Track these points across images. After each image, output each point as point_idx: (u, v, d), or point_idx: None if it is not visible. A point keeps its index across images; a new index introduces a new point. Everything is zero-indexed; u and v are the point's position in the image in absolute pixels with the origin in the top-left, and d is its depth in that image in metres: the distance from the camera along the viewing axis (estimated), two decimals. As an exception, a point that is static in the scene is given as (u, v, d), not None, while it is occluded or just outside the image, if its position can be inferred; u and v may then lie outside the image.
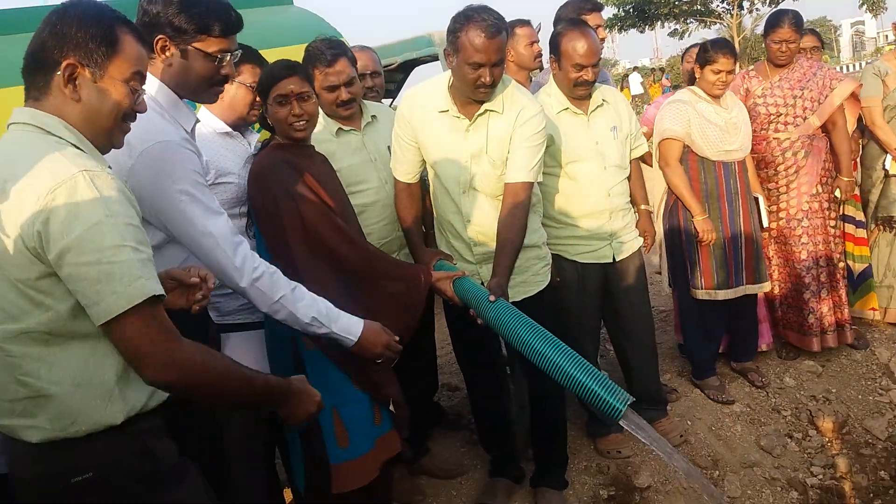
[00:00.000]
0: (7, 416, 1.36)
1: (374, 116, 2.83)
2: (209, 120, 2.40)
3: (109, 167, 1.40)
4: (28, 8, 3.58)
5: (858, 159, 4.31)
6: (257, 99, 2.35)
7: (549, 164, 2.89)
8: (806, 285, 3.78)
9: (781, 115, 3.75)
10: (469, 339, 2.77)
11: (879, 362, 3.90)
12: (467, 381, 3.04)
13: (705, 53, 3.48)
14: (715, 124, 3.48)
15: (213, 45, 1.80)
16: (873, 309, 4.21)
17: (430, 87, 2.58)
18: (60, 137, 1.36)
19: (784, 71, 3.78)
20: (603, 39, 3.33)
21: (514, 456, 3.01)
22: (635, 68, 26.56)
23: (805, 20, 3.85)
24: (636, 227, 3.22)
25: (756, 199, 3.65)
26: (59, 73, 1.37)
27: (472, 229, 2.58)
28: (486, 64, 2.32)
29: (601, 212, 3.00)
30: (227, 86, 1.98)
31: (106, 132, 1.43)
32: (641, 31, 27.61)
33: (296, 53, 2.60)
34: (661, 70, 23.11)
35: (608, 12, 25.69)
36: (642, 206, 3.34)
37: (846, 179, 3.84)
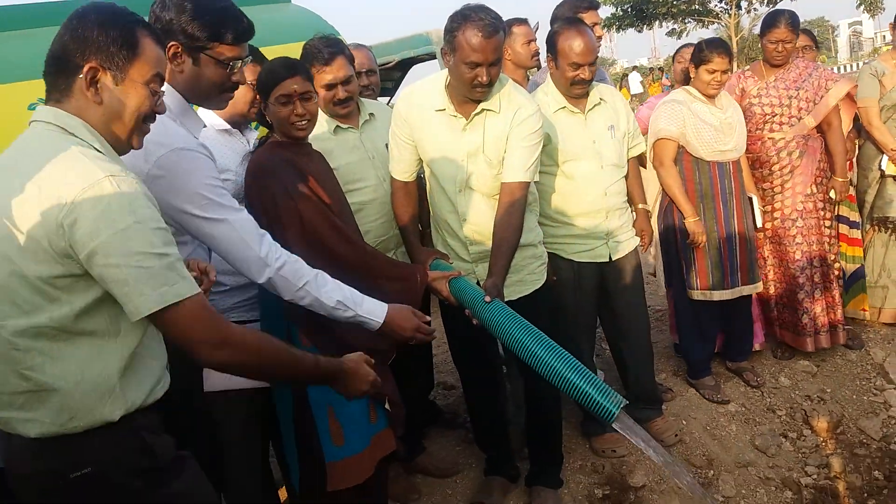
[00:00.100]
0: (5, 409, 1.37)
1: (371, 114, 2.83)
2: (208, 117, 2.39)
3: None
4: (28, 5, 3.57)
5: (855, 160, 4.33)
6: (257, 96, 2.35)
7: (545, 163, 2.89)
8: (800, 285, 3.79)
9: (777, 115, 3.76)
10: (465, 339, 2.77)
11: (874, 362, 3.91)
12: (463, 380, 3.04)
13: (700, 53, 3.48)
14: (710, 124, 3.48)
15: (225, 53, 1.82)
16: (864, 309, 4.23)
17: (427, 85, 2.58)
18: (82, 139, 1.38)
19: (780, 71, 3.79)
20: (599, 37, 3.33)
21: (510, 455, 3.02)
22: (635, 67, 26.56)
23: (803, 20, 3.86)
24: (633, 226, 3.23)
25: (750, 199, 3.66)
26: (80, 76, 1.39)
27: (469, 228, 2.59)
28: (482, 63, 2.32)
29: (598, 211, 3.01)
30: None
31: (126, 134, 1.45)
32: (639, 31, 27.66)
33: (294, 51, 2.60)
34: (661, 70, 23.11)
35: (606, 11, 25.74)
36: (640, 206, 3.34)
37: (841, 180, 3.85)
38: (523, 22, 3.56)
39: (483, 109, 2.48)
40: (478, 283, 2.53)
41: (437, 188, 2.62)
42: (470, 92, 2.41)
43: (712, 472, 3.14)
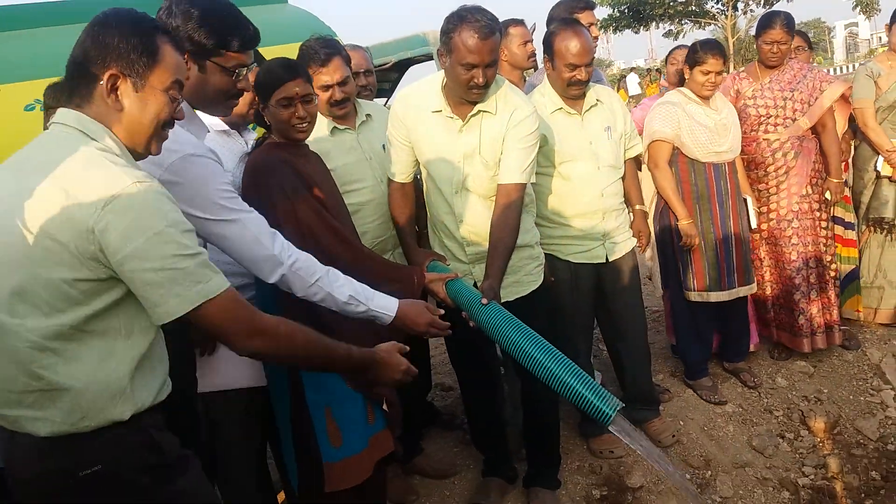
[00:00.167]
0: (13, 407, 1.37)
1: (368, 115, 2.83)
2: (206, 118, 2.39)
3: None
4: (25, 6, 3.56)
5: (850, 161, 4.34)
6: (255, 97, 2.35)
7: (542, 164, 2.89)
8: (796, 286, 3.79)
9: (772, 116, 3.76)
10: (462, 340, 2.77)
11: (871, 363, 3.92)
12: (460, 382, 3.04)
13: (694, 54, 3.49)
14: (704, 126, 3.49)
15: (232, 60, 1.82)
16: (858, 310, 4.24)
17: (423, 86, 2.58)
18: (104, 145, 1.40)
19: (774, 73, 3.80)
20: (596, 38, 3.33)
21: (507, 456, 3.02)
22: (633, 69, 26.61)
23: (799, 21, 3.88)
24: (630, 227, 3.23)
25: (745, 201, 3.67)
26: (101, 82, 1.40)
27: (465, 229, 2.59)
28: (479, 65, 2.32)
29: (594, 212, 3.01)
30: None
31: (146, 140, 1.47)
32: (636, 32, 27.71)
33: (290, 52, 2.60)
34: (658, 71, 23.14)
35: (603, 12, 25.79)
36: (637, 207, 3.34)
37: (835, 181, 3.86)
38: (520, 23, 3.56)
39: (479, 111, 2.48)
40: (475, 285, 2.54)
41: (434, 189, 2.62)
42: (466, 93, 2.41)
43: (710, 472, 3.15)
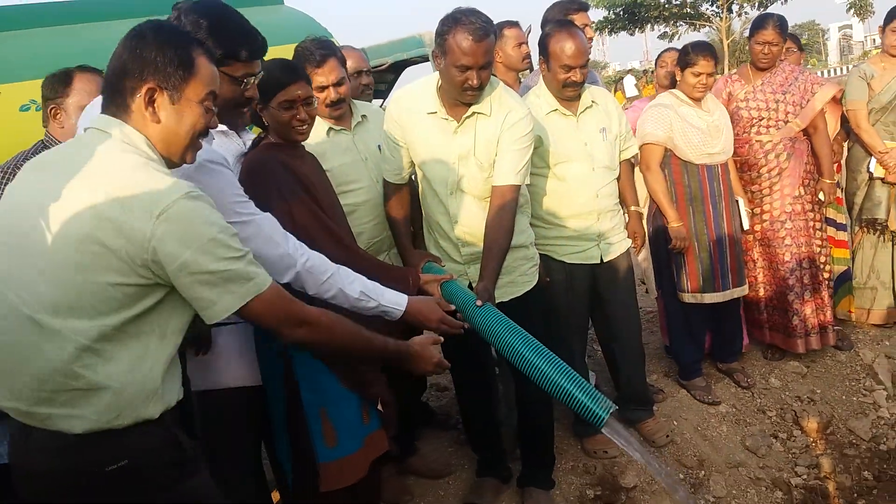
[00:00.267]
0: (44, 405, 1.38)
1: (364, 116, 2.84)
2: None
3: None
4: (22, 6, 3.56)
5: (843, 162, 4.36)
6: None
7: (537, 165, 2.90)
8: (790, 287, 3.81)
9: (763, 118, 3.78)
10: (457, 341, 2.77)
11: (863, 363, 3.94)
12: (455, 383, 3.04)
13: (686, 56, 3.50)
14: (697, 128, 3.50)
15: (240, 70, 1.84)
16: (850, 311, 4.26)
17: (418, 88, 2.59)
18: (148, 156, 1.45)
19: (766, 75, 3.82)
20: (590, 39, 3.34)
21: (502, 456, 3.03)
22: (630, 71, 26.67)
23: (793, 24, 3.91)
24: (626, 228, 3.24)
25: (737, 202, 3.69)
26: (139, 95, 1.44)
27: (460, 230, 2.59)
28: (473, 67, 2.33)
29: (589, 213, 3.02)
30: None
31: (181, 151, 1.52)
32: (631, 34, 27.76)
33: (286, 53, 2.60)
34: (654, 72, 23.15)
35: (598, 14, 25.84)
36: (632, 208, 3.36)
37: (828, 181, 3.88)
38: (514, 25, 3.58)
39: (474, 112, 2.49)
40: (469, 285, 2.55)
41: (429, 190, 2.62)
42: (460, 95, 2.42)
43: (703, 472, 3.16)
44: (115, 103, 1.47)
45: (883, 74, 4.00)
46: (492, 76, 2.50)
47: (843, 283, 4.23)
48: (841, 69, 33.64)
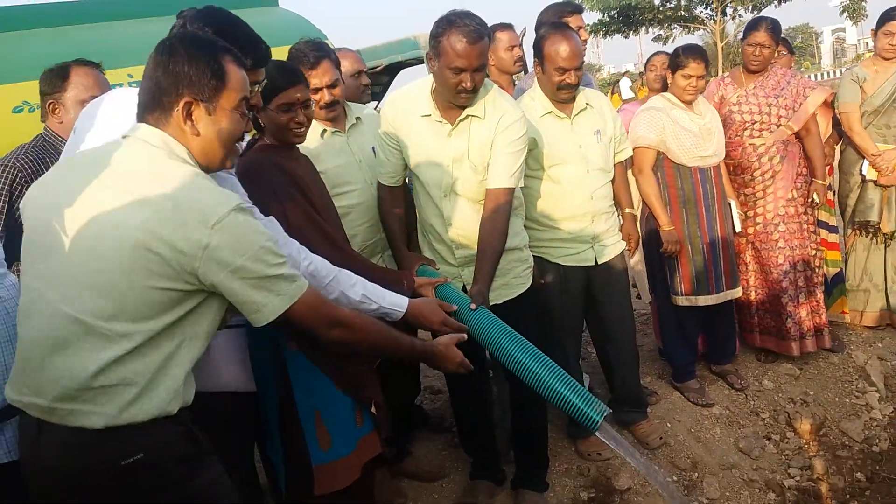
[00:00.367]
0: (68, 402, 1.40)
1: (358, 118, 2.83)
2: None
3: None
4: (15, 7, 3.56)
5: (836, 165, 4.38)
6: None
7: (532, 167, 2.91)
8: (784, 290, 3.82)
9: (756, 122, 3.80)
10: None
11: (856, 365, 3.95)
12: (449, 385, 3.04)
13: (676, 59, 3.51)
14: (689, 130, 3.51)
15: None
16: (844, 312, 4.28)
17: (413, 90, 2.59)
18: (194, 166, 1.50)
19: (759, 79, 3.83)
20: (584, 41, 3.35)
21: (496, 458, 3.02)
22: (626, 73, 26.75)
23: (787, 27, 3.95)
24: (620, 230, 3.25)
25: (729, 205, 3.70)
26: (177, 110, 1.48)
27: (454, 232, 2.59)
28: (467, 69, 2.33)
29: (584, 215, 3.02)
30: None
31: (221, 158, 1.57)
32: (626, 37, 27.80)
33: (280, 55, 2.60)
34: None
35: (593, 17, 25.86)
36: (626, 210, 3.36)
37: (821, 182, 3.90)
38: (506, 27, 3.58)
39: (468, 115, 2.49)
40: (464, 288, 2.55)
41: (423, 193, 2.62)
42: (454, 97, 2.42)
43: (697, 474, 3.16)
44: (154, 116, 1.50)
45: (875, 78, 4.02)
46: (486, 79, 2.51)
47: (836, 286, 4.25)
48: (834, 72, 33.81)
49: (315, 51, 2.59)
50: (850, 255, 4.30)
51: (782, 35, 4.02)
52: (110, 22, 3.80)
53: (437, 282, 2.34)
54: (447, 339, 1.96)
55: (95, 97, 2.45)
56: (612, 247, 3.14)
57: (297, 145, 2.34)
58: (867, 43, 35.41)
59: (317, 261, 1.93)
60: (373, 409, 2.16)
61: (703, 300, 3.59)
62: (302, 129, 2.19)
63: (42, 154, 2.52)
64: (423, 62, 5.42)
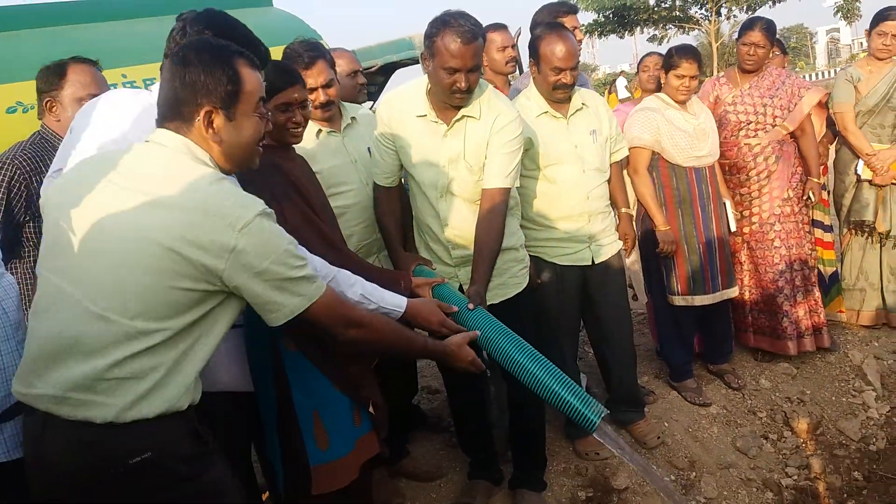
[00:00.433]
0: (83, 392, 1.41)
1: (353, 118, 2.83)
2: None
3: None
4: (10, 7, 3.54)
5: (831, 164, 4.39)
6: None
7: (528, 167, 2.91)
8: (779, 289, 3.82)
9: (752, 122, 3.81)
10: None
11: (852, 364, 3.95)
12: (447, 385, 3.04)
13: (669, 59, 3.52)
14: (684, 131, 3.52)
15: None
16: (840, 311, 4.29)
17: (408, 91, 2.59)
18: (218, 171, 1.54)
19: (754, 79, 3.84)
20: (580, 41, 3.35)
21: (494, 458, 3.02)
22: (622, 72, 26.79)
23: (782, 27, 3.96)
24: (616, 230, 3.25)
25: (724, 204, 3.70)
26: (199, 119, 1.51)
27: (450, 232, 2.59)
28: (461, 69, 2.33)
29: (580, 214, 3.02)
30: None
31: (246, 161, 1.64)
32: (621, 37, 27.83)
33: (275, 55, 2.59)
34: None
35: (588, 17, 25.90)
36: (623, 210, 3.36)
37: (815, 181, 3.91)
38: (498, 28, 3.58)
39: (464, 116, 2.49)
40: (460, 288, 2.54)
41: (419, 193, 2.62)
42: (449, 98, 2.42)
43: (694, 473, 3.16)
44: (175, 124, 1.52)
45: (869, 78, 4.04)
46: (481, 79, 2.50)
47: (832, 285, 4.26)
48: (829, 72, 33.90)
49: (310, 51, 2.59)
50: (846, 254, 4.31)
51: (777, 35, 4.03)
52: (104, 22, 3.78)
53: (435, 282, 2.33)
54: (459, 339, 1.98)
55: (92, 95, 2.45)
56: (608, 246, 3.14)
57: (294, 146, 2.34)
58: (861, 43, 35.52)
59: (316, 261, 1.92)
60: (371, 409, 2.16)
61: (700, 300, 3.60)
62: (299, 130, 2.19)
63: (40, 151, 2.51)
64: (418, 62, 5.42)
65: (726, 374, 3.83)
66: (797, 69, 35.01)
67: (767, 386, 3.79)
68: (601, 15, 26.26)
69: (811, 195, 3.88)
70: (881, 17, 3.97)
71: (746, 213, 3.88)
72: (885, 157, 4.00)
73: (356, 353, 2.04)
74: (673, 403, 3.64)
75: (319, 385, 2.08)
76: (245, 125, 1.56)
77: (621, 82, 9.69)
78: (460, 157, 2.51)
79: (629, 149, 3.52)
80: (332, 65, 2.69)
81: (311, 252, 2.08)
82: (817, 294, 3.94)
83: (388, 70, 5.87)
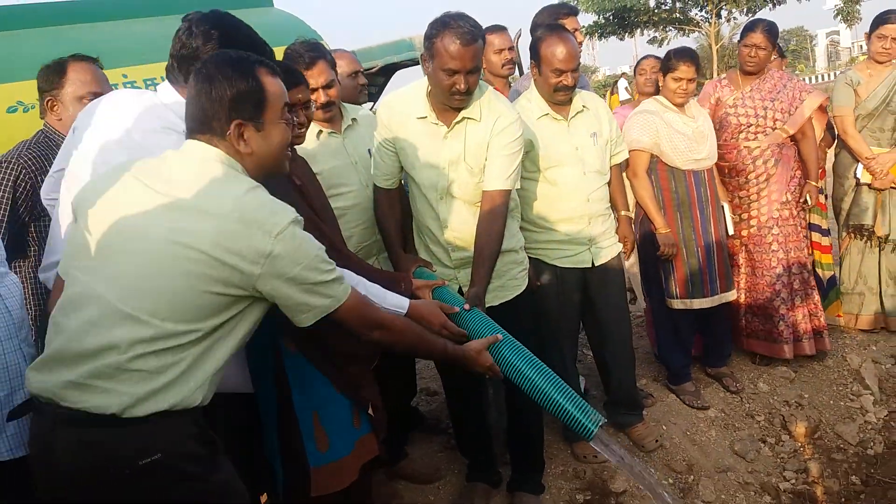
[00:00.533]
0: (102, 379, 1.42)
1: (354, 119, 2.83)
2: None
3: None
4: (9, 7, 3.54)
5: (829, 168, 4.39)
6: None
7: (528, 169, 2.90)
8: (776, 293, 3.82)
9: (752, 125, 3.80)
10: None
11: (850, 368, 3.95)
12: (446, 387, 3.04)
13: (667, 62, 3.52)
14: (683, 133, 3.52)
15: None
16: (839, 315, 4.29)
17: (409, 92, 2.59)
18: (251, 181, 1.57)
19: (755, 81, 3.84)
20: (580, 43, 3.35)
21: (492, 461, 3.02)
22: (623, 74, 26.80)
23: (782, 30, 3.94)
24: (616, 232, 3.25)
25: (722, 207, 3.70)
26: (230, 133, 1.55)
27: (450, 234, 2.59)
28: (460, 71, 2.33)
29: (580, 217, 3.02)
30: None
31: (278, 167, 1.68)
32: (621, 39, 27.83)
33: (276, 56, 2.59)
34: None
35: (588, 19, 25.90)
36: (622, 212, 3.36)
37: (813, 184, 3.91)
38: (496, 30, 3.58)
39: (464, 117, 2.49)
40: (460, 290, 2.54)
41: (419, 195, 2.62)
42: (448, 99, 2.42)
43: (692, 477, 3.16)
44: (206, 136, 1.56)
45: (869, 81, 4.04)
46: (481, 81, 2.50)
47: (830, 289, 4.26)
48: (828, 75, 33.94)
49: (311, 51, 2.59)
50: (845, 258, 4.31)
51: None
52: (105, 22, 3.78)
53: (435, 284, 2.33)
54: (478, 345, 2.00)
55: (93, 92, 2.45)
56: (608, 249, 3.14)
57: (294, 146, 2.34)
58: (861, 46, 35.55)
59: None
60: (370, 411, 2.16)
61: (698, 303, 3.60)
62: (302, 130, 2.19)
63: (45, 150, 2.51)
64: (418, 63, 5.42)
65: (724, 377, 3.83)
66: (797, 72, 35.05)
67: (765, 389, 3.80)
68: (601, 17, 26.26)
69: (808, 198, 3.88)
70: (881, 20, 3.97)
71: (745, 216, 3.88)
72: (885, 160, 4.00)
73: (356, 353, 2.03)
74: (671, 406, 3.64)
75: (319, 386, 2.08)
76: (273, 133, 1.60)
77: (623, 83, 9.69)
78: (461, 158, 2.51)
79: (629, 151, 3.52)
80: (333, 65, 2.69)
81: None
82: (817, 297, 3.94)
83: (388, 71, 5.86)
